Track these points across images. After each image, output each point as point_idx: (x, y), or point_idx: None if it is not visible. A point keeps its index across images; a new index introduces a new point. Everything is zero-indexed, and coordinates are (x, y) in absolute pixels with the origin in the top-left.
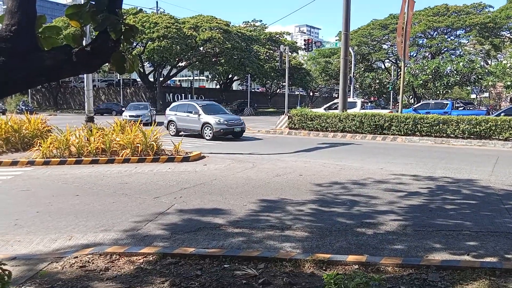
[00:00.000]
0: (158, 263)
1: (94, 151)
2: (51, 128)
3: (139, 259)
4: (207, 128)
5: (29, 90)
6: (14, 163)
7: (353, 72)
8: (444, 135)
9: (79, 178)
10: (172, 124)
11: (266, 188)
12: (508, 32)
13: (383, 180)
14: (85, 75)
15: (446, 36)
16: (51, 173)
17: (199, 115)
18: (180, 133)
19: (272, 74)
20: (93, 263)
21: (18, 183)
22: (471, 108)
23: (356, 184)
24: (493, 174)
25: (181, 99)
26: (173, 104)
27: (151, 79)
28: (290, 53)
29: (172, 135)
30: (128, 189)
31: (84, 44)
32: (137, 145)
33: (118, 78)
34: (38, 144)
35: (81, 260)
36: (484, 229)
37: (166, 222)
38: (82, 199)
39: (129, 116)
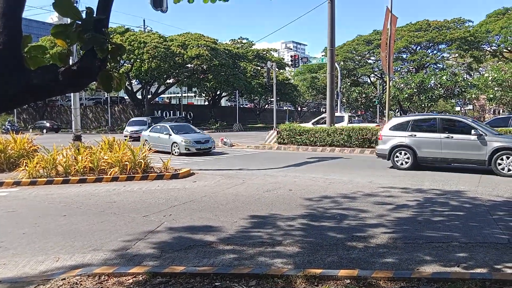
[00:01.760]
0: (148, 283)
1: (81, 170)
2: (38, 147)
3: (129, 279)
4: (508, 157)
5: (15, 109)
6: None
7: (340, 87)
8: None
9: (66, 197)
10: (403, 151)
11: (256, 204)
12: (488, 45)
13: (373, 193)
14: (72, 93)
15: (428, 51)
16: (38, 193)
17: (480, 135)
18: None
19: (260, 90)
20: (81, 284)
21: (3, 204)
22: None
23: (346, 197)
24: (480, 185)
25: (169, 116)
26: (395, 120)
27: (139, 97)
28: (277, 69)
29: (403, 168)
30: (117, 208)
31: (70, 63)
32: (126, 163)
33: (106, 96)
34: (24, 164)
35: (69, 282)
36: (473, 240)
37: (156, 240)
38: (70, 219)
39: (194, 142)
